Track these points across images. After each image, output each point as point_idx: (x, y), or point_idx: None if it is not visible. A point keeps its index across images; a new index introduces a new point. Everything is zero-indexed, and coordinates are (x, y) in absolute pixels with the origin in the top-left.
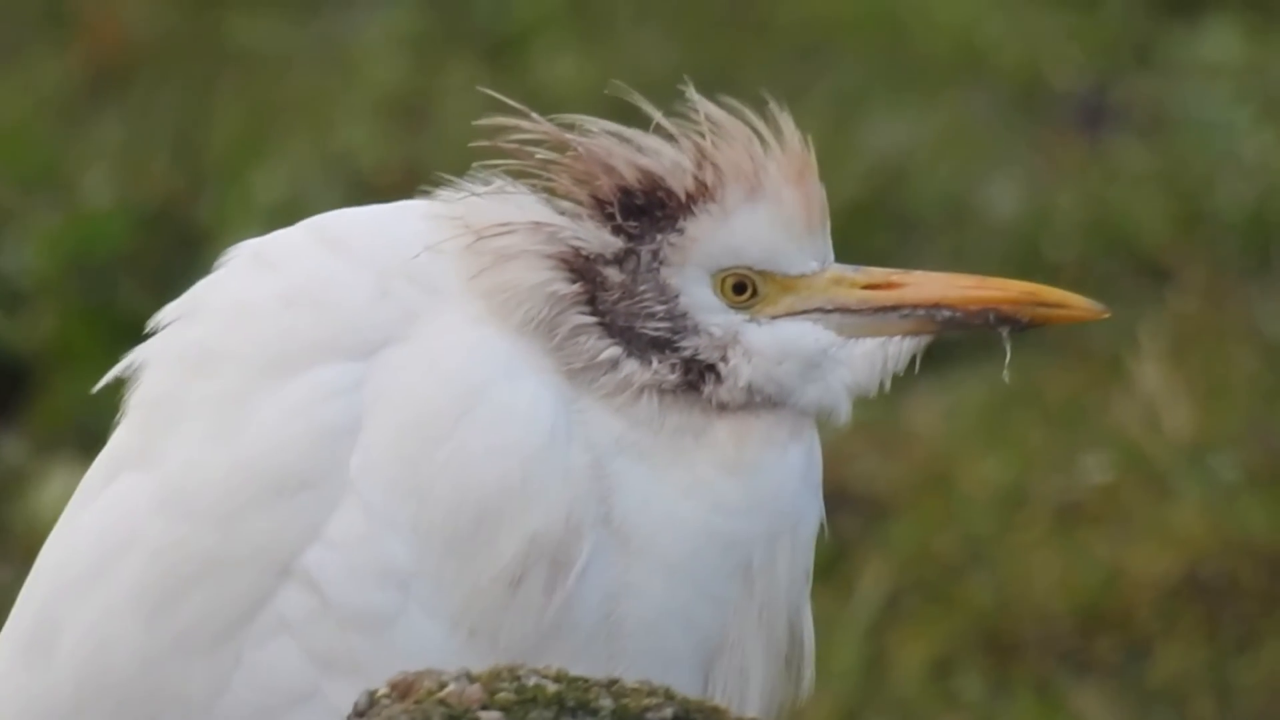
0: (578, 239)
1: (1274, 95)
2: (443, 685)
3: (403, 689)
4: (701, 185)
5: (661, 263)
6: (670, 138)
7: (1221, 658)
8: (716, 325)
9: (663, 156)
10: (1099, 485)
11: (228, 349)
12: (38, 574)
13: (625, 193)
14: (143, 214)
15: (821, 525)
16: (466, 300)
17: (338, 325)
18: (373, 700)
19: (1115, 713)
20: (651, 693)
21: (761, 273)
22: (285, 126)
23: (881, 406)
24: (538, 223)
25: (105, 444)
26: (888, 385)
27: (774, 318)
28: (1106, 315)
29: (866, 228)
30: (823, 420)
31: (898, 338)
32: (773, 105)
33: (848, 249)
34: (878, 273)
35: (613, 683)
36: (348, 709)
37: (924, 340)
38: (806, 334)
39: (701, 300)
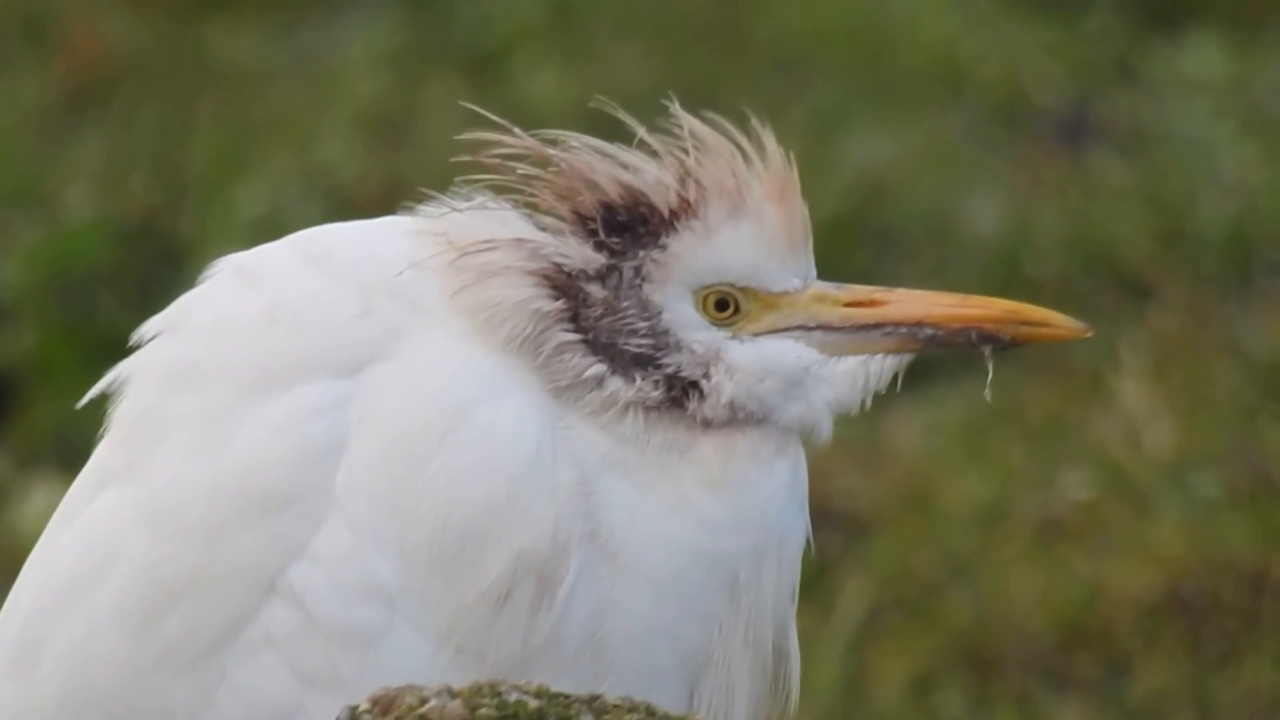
0: (560, 255)
1: (1255, 111)
2: (424, 701)
3: (384, 704)
4: (684, 202)
5: (644, 279)
6: (653, 154)
7: (1202, 674)
8: (699, 342)
9: (646, 173)
10: (1079, 502)
11: (212, 365)
12: (21, 589)
13: (608, 209)
14: (124, 229)
15: (808, 542)
16: (450, 317)
17: (322, 343)
18: (354, 715)
19: None
20: (633, 709)
21: (744, 290)
22: (266, 141)
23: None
24: (520, 239)
25: (88, 459)
26: (869, 403)
27: (756, 335)
28: (1089, 334)
29: (847, 244)
30: (805, 437)
31: (880, 355)
32: (755, 121)
33: (828, 265)
34: (860, 290)
35: (594, 699)
36: None
37: (906, 358)
38: (789, 351)
39: (684, 317)
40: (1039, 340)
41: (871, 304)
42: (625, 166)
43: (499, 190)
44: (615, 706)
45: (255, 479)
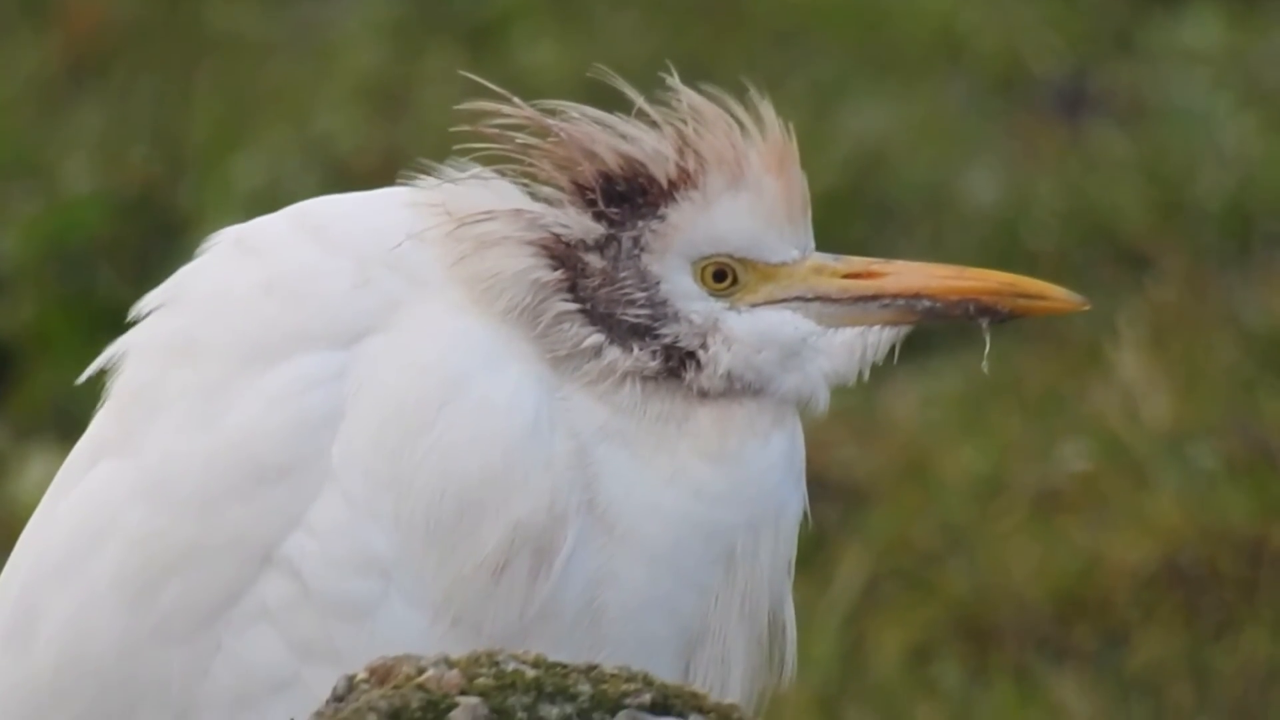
0: (559, 225)
1: (1255, 83)
2: (421, 670)
3: (381, 674)
4: (683, 173)
5: (642, 249)
6: (652, 124)
7: (1199, 645)
8: (696, 312)
9: (645, 143)
10: (1077, 473)
11: (209, 338)
12: (17, 561)
13: (607, 179)
14: (122, 201)
15: (805, 514)
16: (448, 288)
17: (319, 314)
18: (351, 685)
19: (1093, 700)
20: (630, 678)
21: (742, 261)
22: (265, 113)
23: (860, 395)
24: (518, 209)
25: (85, 430)
26: (867, 374)
27: (754, 306)
28: (1086, 307)
29: (845, 216)
30: (802, 409)
31: (877, 327)
32: (753, 93)
33: (826, 237)
34: (858, 262)
35: (591, 668)
36: (326, 696)
37: (903, 330)
38: (786, 322)
39: (682, 287)
40: (1036, 313)
41: (869, 275)
42: (624, 137)
43: (498, 161)
44: (613, 676)
45: (251, 451)
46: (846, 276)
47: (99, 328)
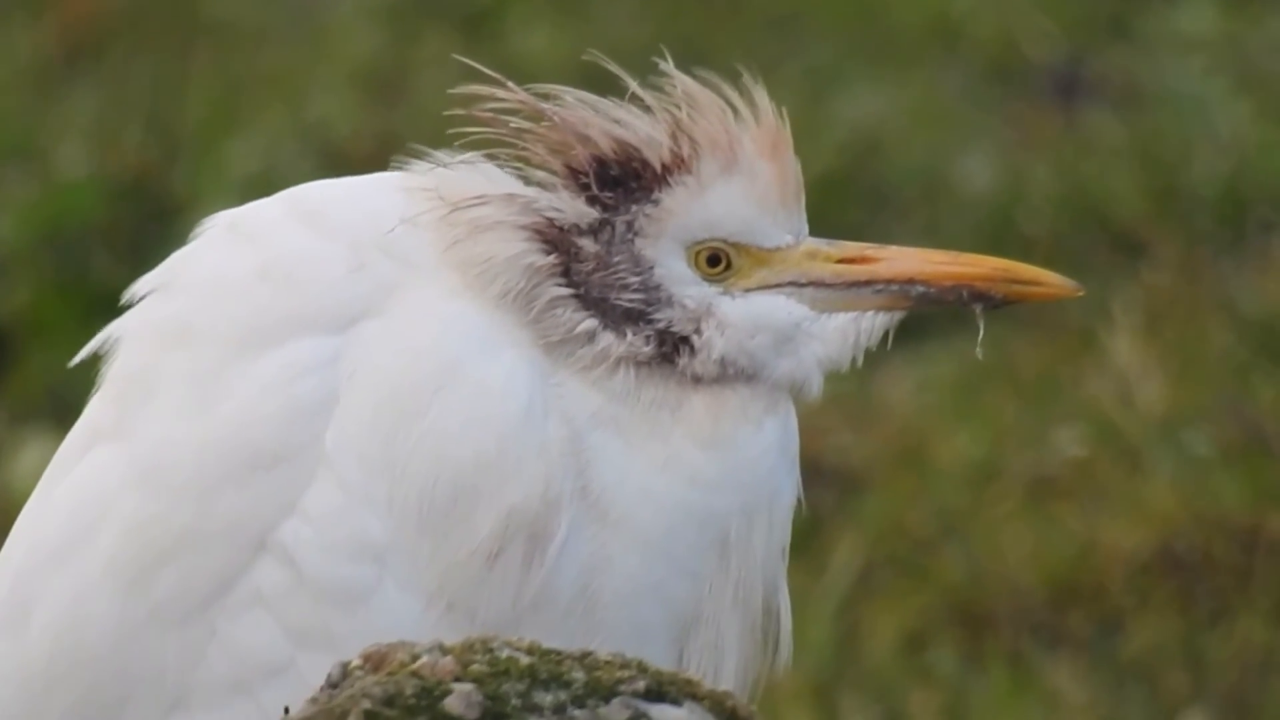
0: (553, 209)
1: (1250, 68)
2: (416, 657)
3: (376, 661)
4: (677, 157)
5: (636, 234)
6: (646, 109)
7: (1194, 631)
8: (690, 297)
9: (639, 127)
10: (1072, 459)
11: (203, 323)
12: (12, 546)
13: (600, 163)
14: (117, 185)
15: (799, 500)
16: (442, 273)
17: (313, 299)
18: (346, 672)
19: (1088, 686)
20: (624, 665)
21: (736, 245)
22: (259, 98)
23: (854, 380)
24: (512, 194)
25: (80, 415)
26: (860, 360)
27: (747, 291)
28: (1080, 293)
29: (840, 201)
30: (795, 394)
31: (871, 312)
32: (747, 78)
33: (821, 222)
34: (852, 247)
35: (585, 655)
36: (321, 682)
37: (897, 316)
38: (780, 307)
39: (675, 272)
40: (1031, 299)
41: (863, 261)
42: (618, 121)
43: (492, 145)
44: (607, 663)
45: (246, 436)
46: (840, 261)
47: (93, 312)
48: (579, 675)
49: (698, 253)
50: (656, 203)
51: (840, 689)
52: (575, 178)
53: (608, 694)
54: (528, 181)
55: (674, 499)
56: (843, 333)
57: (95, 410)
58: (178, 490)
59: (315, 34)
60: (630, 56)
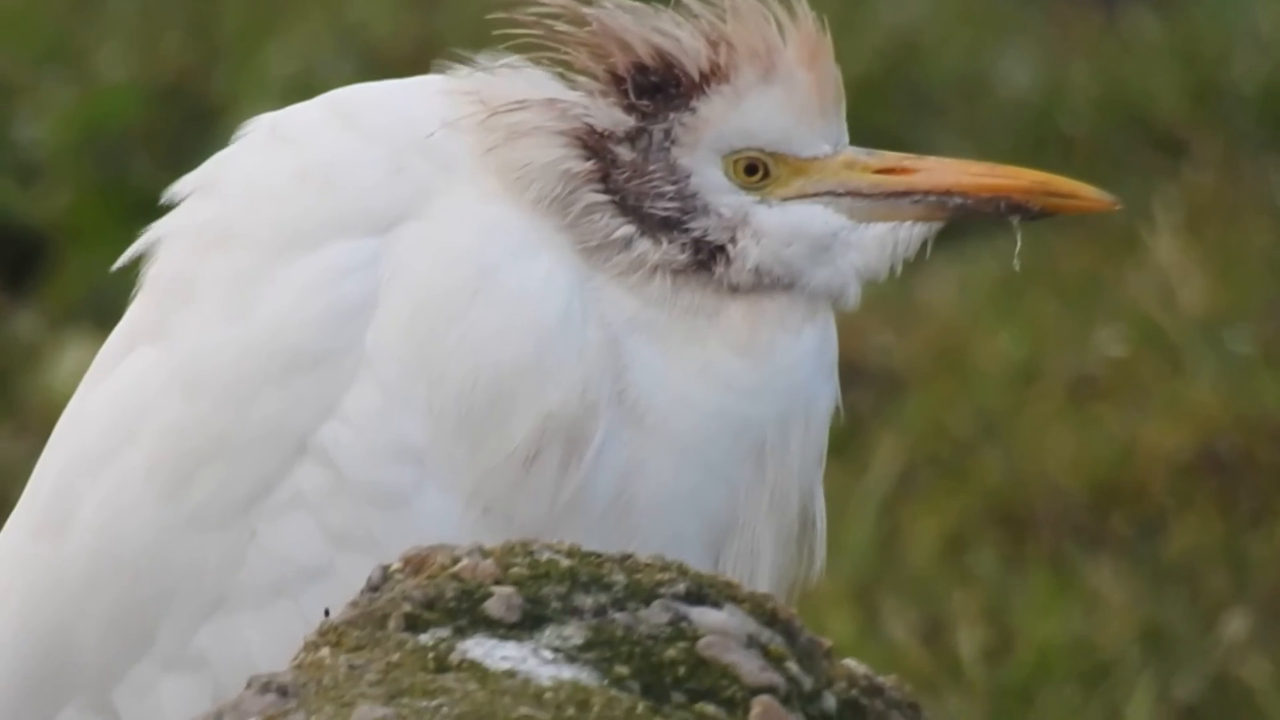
0: (590, 116)
1: None
2: (456, 560)
3: (416, 564)
4: (715, 65)
5: (673, 142)
6: (687, 17)
7: (1235, 532)
8: (726, 206)
9: (678, 36)
10: (1113, 360)
11: (243, 226)
12: (52, 449)
13: (639, 70)
14: (156, 88)
15: (837, 407)
16: (481, 177)
17: (352, 202)
18: (386, 575)
19: (1128, 587)
20: (665, 568)
21: (773, 154)
22: (299, 0)
23: (895, 282)
24: (551, 99)
25: (120, 318)
26: (898, 270)
27: (784, 200)
28: (1118, 207)
29: (879, 104)
30: (832, 303)
31: (908, 223)
32: None
33: (860, 126)
34: (890, 157)
35: (626, 558)
36: (361, 584)
37: (934, 226)
38: (816, 216)
39: (712, 181)
40: (1067, 211)
41: (902, 171)
42: (658, 29)
43: (532, 49)
44: (647, 565)
45: (285, 339)
46: (878, 172)
47: (133, 215)
48: (619, 578)
49: (735, 161)
50: (694, 111)
51: (880, 591)
52: (614, 84)
53: (648, 596)
54: (571, 86)
55: (710, 406)
56: (880, 242)
57: (136, 313)
58: (217, 393)
59: None
60: None
